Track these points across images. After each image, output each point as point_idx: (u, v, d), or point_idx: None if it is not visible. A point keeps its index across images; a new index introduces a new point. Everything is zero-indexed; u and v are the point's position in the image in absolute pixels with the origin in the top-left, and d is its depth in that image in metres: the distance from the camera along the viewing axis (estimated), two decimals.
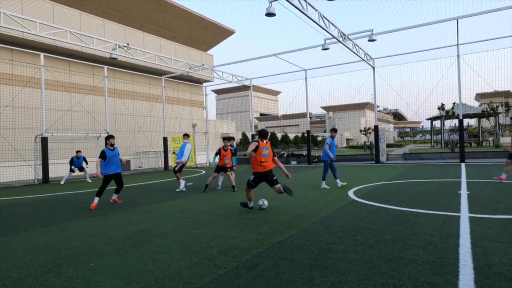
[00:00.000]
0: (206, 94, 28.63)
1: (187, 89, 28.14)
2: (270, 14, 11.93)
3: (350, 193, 8.50)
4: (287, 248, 4.22)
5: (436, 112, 42.37)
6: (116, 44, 16.78)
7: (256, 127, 76.73)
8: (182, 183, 10.62)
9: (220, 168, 10.37)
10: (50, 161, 15.94)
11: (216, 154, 10.28)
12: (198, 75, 25.40)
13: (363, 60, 19.15)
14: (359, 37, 16.84)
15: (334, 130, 10.34)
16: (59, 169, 17.98)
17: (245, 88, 27.56)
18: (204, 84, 29.79)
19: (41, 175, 15.35)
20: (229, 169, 10.19)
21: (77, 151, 15.18)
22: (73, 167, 15.06)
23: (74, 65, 19.83)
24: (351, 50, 17.21)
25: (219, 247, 4.38)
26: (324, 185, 9.91)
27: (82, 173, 15.83)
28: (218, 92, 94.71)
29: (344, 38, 16.05)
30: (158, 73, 24.06)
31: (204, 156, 26.94)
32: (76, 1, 20.64)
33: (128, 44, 17.51)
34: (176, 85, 26.62)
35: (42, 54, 15.98)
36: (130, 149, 22.39)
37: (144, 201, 8.72)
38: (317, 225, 5.37)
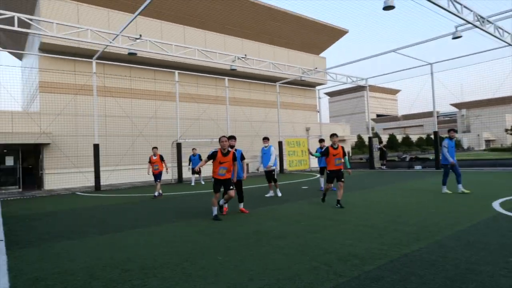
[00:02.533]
0: (319, 97, 28.44)
1: (300, 94, 28.49)
2: (388, 7, 11.12)
3: (495, 205, 7.17)
4: (415, 262, 3.80)
5: None
6: (235, 56, 18.18)
7: (373, 129, 72.47)
8: (272, 192, 10.51)
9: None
10: (183, 164, 18.24)
11: (321, 154, 8.40)
12: (311, 79, 25.44)
13: (510, 44, 16.05)
14: (504, 18, 14.21)
15: (453, 131, 9.72)
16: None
17: (360, 88, 26.34)
18: (317, 87, 29.65)
19: (177, 176, 17.68)
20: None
21: (193, 149, 15.92)
22: (190, 166, 15.88)
23: (200, 79, 22.30)
24: (493, 35, 14.62)
25: (337, 253, 4.23)
26: (445, 189, 9.39)
27: (196, 175, 15.95)
28: (331, 94, 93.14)
29: (483, 22, 13.76)
30: (273, 79, 25.05)
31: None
32: (202, 22, 23.21)
33: (245, 55, 18.77)
34: (289, 90, 27.24)
35: (176, 72, 18.49)
36: (248, 153, 23.86)
37: (261, 202, 9.12)
38: (451, 239, 4.69)
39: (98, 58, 15.78)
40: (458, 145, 65.55)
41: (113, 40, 13.95)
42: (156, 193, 11.28)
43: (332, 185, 8.13)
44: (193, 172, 15.84)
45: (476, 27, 13.49)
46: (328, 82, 26.64)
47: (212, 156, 6.84)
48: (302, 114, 28.69)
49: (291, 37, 27.87)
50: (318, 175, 12.66)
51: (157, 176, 11.36)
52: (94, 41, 13.81)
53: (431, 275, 3.39)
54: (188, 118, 20.80)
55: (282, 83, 24.70)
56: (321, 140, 11.67)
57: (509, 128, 58.05)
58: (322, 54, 31.28)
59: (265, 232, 5.58)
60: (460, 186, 9.35)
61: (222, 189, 6.94)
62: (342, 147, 8.01)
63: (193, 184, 15.84)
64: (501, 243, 4.39)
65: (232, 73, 21.69)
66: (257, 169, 10.34)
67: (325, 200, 8.43)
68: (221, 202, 7.23)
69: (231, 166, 6.92)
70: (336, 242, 4.77)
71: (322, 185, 11.43)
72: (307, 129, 28.44)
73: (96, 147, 15.32)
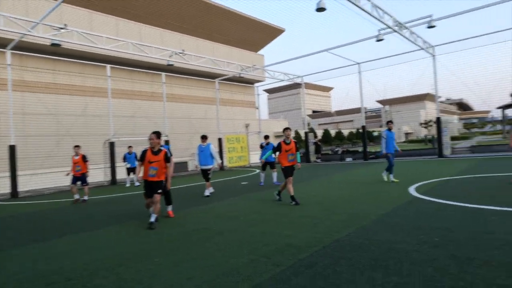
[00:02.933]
0: (258, 94, 28.94)
1: (239, 90, 28.71)
2: (320, 9, 11.72)
3: (411, 190, 8.03)
4: (345, 247, 4.13)
5: (508, 100, 38.26)
6: (172, 52, 17.69)
7: (309, 124, 75.83)
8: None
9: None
10: (117, 164, 17.30)
11: (274, 150, 8.14)
12: (250, 76, 25.77)
13: (422, 48, 17.95)
14: (417, 25, 15.81)
15: (390, 122, 10.19)
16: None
17: (296, 86, 27.38)
18: (256, 84, 30.14)
19: (110, 177, 16.72)
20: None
21: (129, 147, 15.05)
22: (126, 163, 14.95)
23: (135, 74, 21.28)
24: (408, 39, 16.23)
25: (276, 245, 4.42)
26: (392, 178, 9.91)
27: (131, 176, 15.02)
28: (270, 91, 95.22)
29: (400, 27, 15.18)
30: (212, 76, 24.87)
31: (257, 155, 27.25)
32: (137, 14, 22.13)
33: (183, 50, 18.35)
34: (228, 87, 27.29)
35: (108, 66, 17.41)
36: (187, 151, 23.45)
37: (201, 200, 9.08)
38: (376, 223, 5.17)
39: (14, 48, 14.18)
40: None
41: (31, 28, 12.65)
42: (76, 196, 10.15)
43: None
44: (129, 171, 15.11)
45: (395, 31, 14.86)
46: (266, 79, 27.25)
47: (142, 157, 6.14)
48: (242, 111, 28.96)
49: (230, 34, 27.90)
50: (258, 170, 12.91)
51: (79, 178, 10.14)
52: (8, 28, 12.37)
53: (358, 257, 3.72)
54: (122, 116, 19.74)
55: (221, 80, 24.65)
56: (266, 137, 11.84)
57: (423, 122, 64.93)
58: (260, 52, 31.84)
59: (204, 230, 5.58)
60: (384, 173, 10.14)
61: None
62: (295, 142, 7.68)
63: (128, 185, 15.11)
64: (415, 223, 4.96)
65: (170, 69, 21.07)
66: (196, 167, 10.04)
67: (281, 199, 7.86)
68: (151, 218, 5.96)
69: (163, 167, 6.15)
70: (275, 234, 4.96)
71: (262, 181, 11.69)
72: (247, 126, 28.81)
73: (12, 148, 13.78)
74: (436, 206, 6.11)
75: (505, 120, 45.90)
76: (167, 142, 18.88)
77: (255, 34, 29.63)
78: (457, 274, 3.09)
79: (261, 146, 11.80)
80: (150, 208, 6.15)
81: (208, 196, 9.60)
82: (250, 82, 29.37)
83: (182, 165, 22.81)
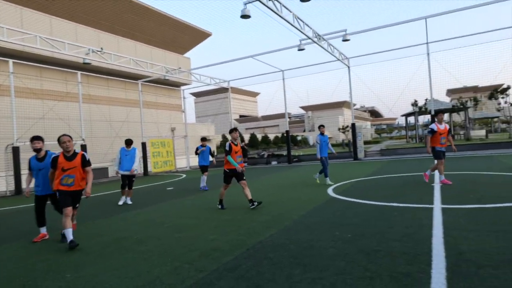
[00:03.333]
0: (184, 98, 28.38)
1: (164, 93, 27.81)
2: (245, 16, 12.00)
3: (329, 191, 8.66)
4: (267, 247, 4.28)
5: (410, 109, 43.67)
6: (89, 49, 16.41)
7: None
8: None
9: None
10: (23, 172, 15.38)
11: (227, 153, 7.19)
12: (176, 79, 25.16)
13: (338, 59, 19.52)
14: (334, 37, 17.17)
15: (322, 126, 10.28)
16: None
17: (223, 90, 27.51)
18: (182, 87, 29.51)
19: (14, 186, 14.78)
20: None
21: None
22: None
23: (45, 71, 19.21)
24: (326, 50, 17.52)
25: (200, 250, 4.38)
26: (328, 181, 10.10)
27: None
28: (197, 95, 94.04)
29: (319, 39, 16.32)
30: (134, 77, 23.66)
31: (184, 160, 26.67)
32: (46, 5, 20.04)
33: (102, 48, 17.16)
34: (153, 89, 26.25)
35: (10, 61, 15.42)
36: (107, 156, 21.89)
37: (123, 208, 8.57)
38: (297, 223, 5.45)
39: None
40: (306, 142, 75.74)
41: None
42: None
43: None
44: None
45: (315, 42, 15.93)
46: (193, 82, 26.86)
47: (53, 164, 5.22)
48: (167, 114, 28.07)
49: (153, 34, 26.90)
50: (185, 175, 12.60)
51: None
52: None
53: (279, 256, 3.89)
54: (28, 118, 17.65)
55: (145, 81, 23.61)
56: (204, 139, 11.53)
57: (341, 127, 70.61)
58: (186, 54, 31.30)
59: (125, 239, 5.28)
60: (317, 176, 10.54)
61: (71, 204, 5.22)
62: (241, 144, 7.78)
63: None
64: (331, 221, 5.36)
65: (86, 68, 19.51)
66: (116, 173, 9.27)
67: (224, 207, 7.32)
68: (69, 235, 5.01)
69: (81, 173, 5.26)
70: (200, 239, 4.91)
71: (203, 184, 11.21)
72: (173, 129, 28.02)
73: None
74: (349, 204, 6.68)
75: (407, 127, 52.18)
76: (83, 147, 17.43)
77: (181, 36, 29.08)
78: (365, 266, 3.42)
79: (197, 151, 11.35)
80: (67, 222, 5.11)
81: (123, 204, 9.00)
82: (176, 85, 28.67)
83: (102, 171, 21.23)
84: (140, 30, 25.74)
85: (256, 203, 7.02)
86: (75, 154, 5.34)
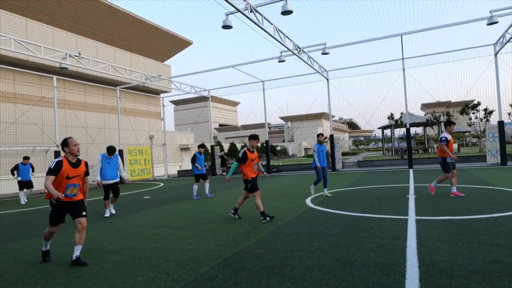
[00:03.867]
0: (163, 105, 28.08)
1: (143, 100, 27.44)
2: (226, 27, 12.09)
3: (308, 201, 8.73)
4: (245, 257, 4.25)
5: (386, 121, 44.93)
6: (66, 53, 16.03)
7: (215, 137, 76.41)
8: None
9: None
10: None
11: (238, 160, 6.73)
12: (155, 86, 24.89)
13: (318, 72, 19.93)
14: (313, 50, 17.53)
15: (321, 135, 9.56)
16: (3, 186, 16.61)
17: (204, 99, 27.42)
18: (162, 95, 29.24)
19: None
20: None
21: (24, 157, 12.97)
22: (16, 176, 12.79)
23: (19, 75, 18.58)
24: (306, 63, 17.86)
25: (177, 260, 4.30)
26: (312, 189, 9.81)
27: (27, 190, 13.09)
28: (176, 103, 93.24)
29: (299, 51, 16.63)
30: (113, 83, 23.25)
31: (162, 168, 26.24)
32: (22, 7, 19.49)
33: (79, 53, 16.80)
34: (132, 96, 25.86)
35: None
36: None
37: (98, 217, 8.31)
38: (275, 233, 5.46)
39: None
40: (284, 152, 76.29)
41: None
42: None
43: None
44: (21, 186, 12.89)
45: (295, 54, 16.22)
46: (173, 90, 26.65)
47: (55, 171, 4.34)
48: (146, 122, 27.67)
49: (133, 41, 26.62)
50: (162, 184, 12.38)
51: None
52: None
53: (257, 267, 3.87)
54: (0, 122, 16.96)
55: (124, 88, 23.23)
56: (201, 146, 11.31)
57: None
58: (167, 62, 31.11)
59: (99, 249, 5.11)
60: (325, 190, 9.62)
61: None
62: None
63: (23, 202, 12.78)
64: (309, 232, 5.40)
65: (63, 72, 19.02)
66: (98, 183, 8.25)
67: (240, 216, 7.05)
68: (76, 252, 4.42)
69: (83, 182, 4.73)
70: (176, 249, 4.82)
71: (195, 194, 10.95)
72: (151, 137, 27.60)
73: None
74: (327, 215, 6.76)
75: (384, 139, 53.62)
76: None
77: (162, 44, 28.92)
78: (341, 276, 3.46)
79: (194, 159, 10.96)
80: (48, 240, 4.64)
81: (108, 214, 8.45)
82: (156, 92, 28.38)
83: None
84: (120, 36, 25.43)
85: (269, 218, 6.51)
86: (79, 161, 4.69)
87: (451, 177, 8.25)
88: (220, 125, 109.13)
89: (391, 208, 7.10)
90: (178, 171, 27.06)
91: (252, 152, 6.76)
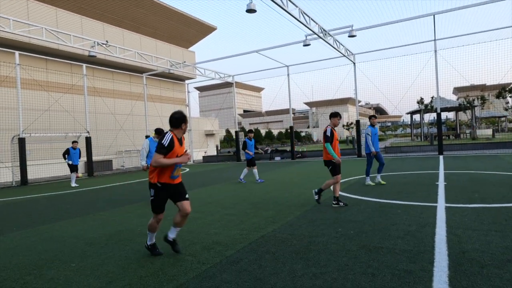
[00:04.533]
0: (188, 92, 28.40)
1: (169, 87, 27.84)
2: (251, 11, 11.93)
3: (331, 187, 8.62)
4: (270, 242, 4.29)
5: (415, 106, 43.37)
6: (94, 42, 16.43)
7: (239, 123, 76.82)
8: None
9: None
10: (28, 163, 15.51)
11: (329, 140, 6.32)
12: (180, 73, 25.16)
13: (344, 55, 19.39)
14: (340, 33, 17.04)
15: (373, 117, 8.85)
16: (38, 171, 17.53)
17: (228, 85, 27.47)
18: (187, 81, 29.53)
19: (19, 177, 14.93)
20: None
21: (74, 141, 13.19)
22: (67, 160, 12.93)
23: (51, 63, 19.30)
24: (332, 46, 17.41)
25: (202, 243, 4.40)
26: (368, 181, 8.76)
27: (70, 174, 13.27)
28: (201, 89, 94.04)
29: (325, 34, 16.20)
30: (139, 70, 23.70)
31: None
32: None
33: (107, 41, 17.17)
34: (157, 83, 26.29)
35: (17, 52, 15.49)
36: (112, 149, 22.02)
37: (127, 200, 8.62)
38: (300, 219, 5.46)
39: None
40: (309, 138, 75.60)
41: None
42: None
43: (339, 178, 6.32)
44: (73, 168, 13.16)
45: (320, 37, 15.81)
46: (197, 76, 26.85)
47: (168, 149, 3.79)
48: (171, 108, 28.11)
49: (158, 27, 26.86)
50: (188, 169, 12.58)
51: None
52: None
53: (281, 251, 3.89)
54: (34, 109, 17.76)
55: (150, 75, 23.64)
56: (250, 131, 11.77)
57: (345, 124, 70.42)
58: (191, 48, 31.25)
59: (129, 231, 5.32)
60: (378, 176, 8.86)
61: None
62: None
63: (74, 184, 13.06)
64: (335, 218, 5.36)
65: (92, 60, 19.56)
66: (145, 168, 7.58)
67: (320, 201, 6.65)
68: (171, 234, 4.11)
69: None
70: (202, 233, 4.93)
71: (242, 176, 11.11)
72: None
73: None
74: (353, 201, 6.67)
75: (413, 125, 51.89)
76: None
77: (186, 30, 29.01)
78: (367, 262, 3.42)
79: (244, 145, 11.01)
80: (154, 232, 4.12)
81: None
82: (180, 79, 28.68)
83: (106, 164, 21.38)
84: (145, 23, 25.72)
85: (343, 203, 6.25)
86: (181, 138, 4.09)
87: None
88: (244, 111, 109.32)
89: (419, 195, 6.91)
90: (203, 156, 27.50)
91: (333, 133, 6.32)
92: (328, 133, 6.28)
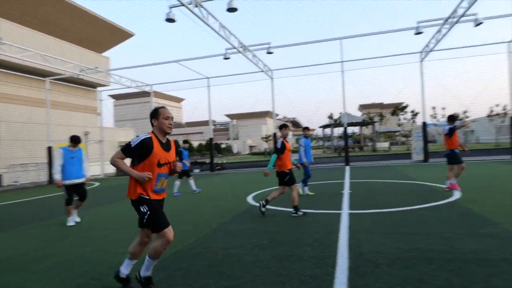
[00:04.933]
0: (101, 100, 26.40)
1: (78, 93, 25.50)
2: (170, 20, 11.71)
3: (249, 199, 8.82)
4: (183, 258, 4.15)
5: (327, 121, 47.15)
6: None
7: None
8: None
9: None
10: None
11: (277, 152, 6.44)
12: (92, 79, 23.28)
13: (262, 70, 20.20)
14: (258, 49, 17.72)
15: (307, 129, 9.16)
16: None
17: (146, 94, 26.30)
18: (99, 88, 27.43)
19: None
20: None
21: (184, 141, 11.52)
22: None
23: None
24: (251, 61, 18.00)
25: (109, 264, 4.06)
26: (307, 190, 8.89)
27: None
28: (117, 97, 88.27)
29: (244, 49, 16.70)
30: (42, 74, 21.24)
31: (98, 166, 24.67)
32: None
33: (1, 38, 15.08)
34: (64, 88, 23.87)
35: None
36: (3, 161, 19.15)
37: (19, 221, 7.55)
38: (216, 231, 5.42)
39: None
40: (229, 150, 76.33)
41: None
42: None
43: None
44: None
45: (240, 52, 16.26)
46: (112, 84, 25.15)
47: (147, 150, 3.05)
48: (80, 116, 25.75)
49: (67, 28, 24.60)
50: (98, 184, 11.64)
51: None
52: None
53: (194, 266, 3.80)
54: None
55: (55, 79, 21.37)
56: (186, 141, 11.17)
57: (264, 136, 73.11)
58: (105, 54, 29.26)
59: (20, 256, 4.64)
60: (306, 188, 8.93)
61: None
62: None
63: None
64: (250, 228, 5.46)
65: None
66: (59, 184, 6.68)
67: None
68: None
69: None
70: (109, 252, 4.56)
71: (177, 190, 10.49)
72: (86, 134, 25.76)
73: None
74: (268, 212, 6.88)
75: (324, 138, 56.17)
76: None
77: (99, 33, 27.14)
78: (278, 271, 3.54)
79: (180, 155, 10.25)
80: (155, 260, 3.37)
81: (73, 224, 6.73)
82: (92, 85, 26.55)
83: None
84: (51, 22, 23.32)
85: (302, 213, 6.35)
86: (168, 141, 3.29)
87: (459, 170, 7.97)
88: None
89: (327, 203, 7.45)
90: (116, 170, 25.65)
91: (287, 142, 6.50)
92: (278, 145, 6.43)
